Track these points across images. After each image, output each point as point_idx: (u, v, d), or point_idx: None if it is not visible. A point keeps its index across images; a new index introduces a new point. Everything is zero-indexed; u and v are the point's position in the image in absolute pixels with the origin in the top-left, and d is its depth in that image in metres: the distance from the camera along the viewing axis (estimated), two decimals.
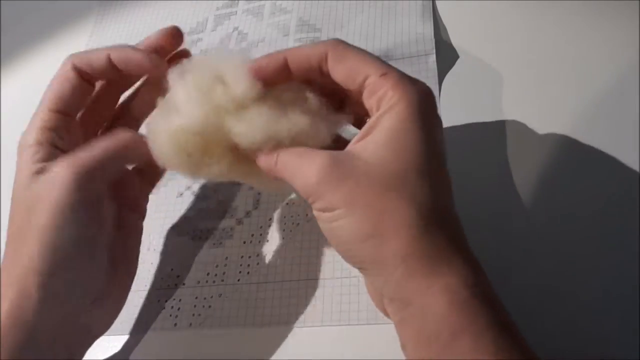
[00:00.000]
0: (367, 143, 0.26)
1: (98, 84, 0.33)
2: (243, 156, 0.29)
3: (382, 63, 0.27)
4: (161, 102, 0.31)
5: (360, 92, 0.28)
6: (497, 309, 0.25)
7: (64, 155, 0.30)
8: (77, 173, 0.28)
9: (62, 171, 0.29)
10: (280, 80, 0.29)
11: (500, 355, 0.23)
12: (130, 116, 0.35)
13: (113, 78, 0.33)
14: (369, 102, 0.27)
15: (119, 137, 0.31)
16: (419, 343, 0.25)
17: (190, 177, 0.40)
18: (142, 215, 0.35)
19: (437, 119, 0.28)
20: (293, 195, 0.39)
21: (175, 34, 0.33)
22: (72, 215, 0.28)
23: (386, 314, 0.27)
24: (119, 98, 0.35)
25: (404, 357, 0.26)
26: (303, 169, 0.27)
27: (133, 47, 0.32)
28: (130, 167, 0.35)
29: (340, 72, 0.28)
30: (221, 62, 0.30)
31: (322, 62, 0.28)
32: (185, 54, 0.34)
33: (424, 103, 0.27)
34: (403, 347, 0.26)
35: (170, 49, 0.33)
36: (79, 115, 0.33)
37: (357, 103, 0.28)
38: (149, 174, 0.36)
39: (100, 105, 0.34)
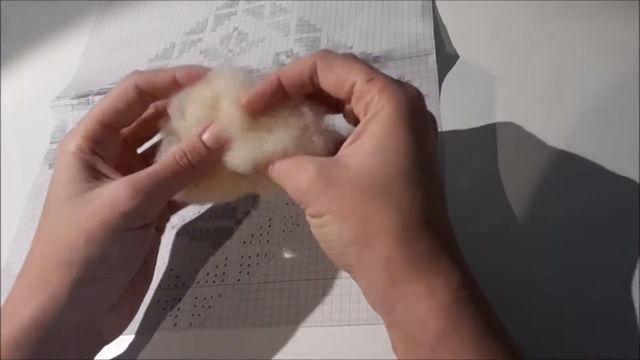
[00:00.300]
0: (354, 149, 0.27)
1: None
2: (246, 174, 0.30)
3: (369, 69, 0.27)
4: (164, 130, 0.31)
5: (350, 99, 0.28)
6: (484, 311, 0.25)
7: (129, 174, 0.29)
8: (138, 195, 0.28)
9: (124, 191, 0.28)
10: (278, 102, 0.29)
11: (486, 357, 0.23)
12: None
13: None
14: (357, 107, 0.28)
15: (175, 161, 0.29)
16: (406, 346, 0.25)
17: (201, 205, 0.40)
18: (162, 232, 0.36)
19: (427, 122, 0.28)
20: None
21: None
22: (125, 236, 0.29)
23: None
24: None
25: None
26: (294, 176, 0.27)
27: (195, 65, 0.32)
28: None
29: (329, 81, 0.28)
30: (218, 91, 0.30)
31: (313, 74, 0.28)
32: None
33: (411, 107, 0.26)
34: (393, 348, 0.26)
35: None
36: (123, 130, 0.33)
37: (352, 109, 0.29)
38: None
39: (147, 124, 0.34)
